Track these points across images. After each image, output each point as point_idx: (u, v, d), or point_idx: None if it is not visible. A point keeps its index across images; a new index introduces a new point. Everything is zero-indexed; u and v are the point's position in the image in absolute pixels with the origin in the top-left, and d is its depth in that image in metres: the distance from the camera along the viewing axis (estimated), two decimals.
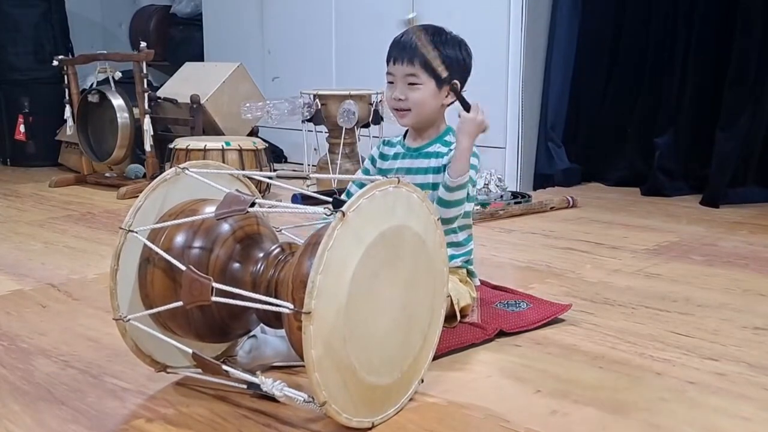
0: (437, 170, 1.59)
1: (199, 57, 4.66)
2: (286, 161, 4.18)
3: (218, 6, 4.61)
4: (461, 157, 1.52)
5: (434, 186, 1.58)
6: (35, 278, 2.03)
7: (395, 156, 1.67)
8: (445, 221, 1.50)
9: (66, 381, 1.35)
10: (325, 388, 1.06)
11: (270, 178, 1.35)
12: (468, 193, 1.57)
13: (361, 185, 1.44)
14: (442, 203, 1.54)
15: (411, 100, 1.57)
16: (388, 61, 1.60)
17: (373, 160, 1.71)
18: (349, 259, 1.07)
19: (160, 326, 1.27)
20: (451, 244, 1.62)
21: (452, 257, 1.63)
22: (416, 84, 1.56)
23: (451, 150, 1.58)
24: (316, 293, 1.02)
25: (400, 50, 1.57)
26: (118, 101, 3.47)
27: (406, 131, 1.68)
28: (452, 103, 1.62)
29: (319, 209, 1.11)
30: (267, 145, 3.35)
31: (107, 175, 3.67)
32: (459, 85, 1.60)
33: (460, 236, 1.65)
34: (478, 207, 2.81)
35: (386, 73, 1.61)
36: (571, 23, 3.54)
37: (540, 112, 3.44)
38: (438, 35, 1.58)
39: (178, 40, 5.05)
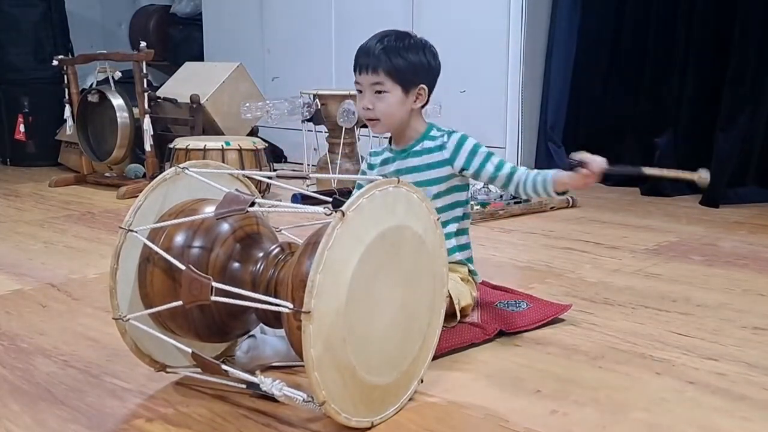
0: (430, 166, 1.58)
1: (199, 57, 4.66)
2: (286, 161, 4.18)
3: (218, 6, 4.61)
4: (565, 184, 1.53)
5: (434, 181, 1.58)
6: (35, 278, 2.03)
7: (384, 161, 1.66)
8: (506, 184, 1.57)
9: (66, 381, 1.35)
10: (324, 388, 1.05)
11: (270, 178, 1.35)
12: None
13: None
14: (522, 190, 1.56)
15: (378, 110, 1.55)
16: (354, 71, 1.57)
17: (364, 174, 1.71)
18: (348, 258, 1.07)
19: (159, 326, 1.27)
20: (457, 248, 1.62)
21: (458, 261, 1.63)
22: (383, 92, 1.54)
23: (444, 143, 1.57)
24: (315, 292, 1.02)
25: (365, 59, 1.54)
26: (118, 101, 3.47)
27: (391, 137, 1.67)
28: (423, 105, 1.61)
29: (319, 209, 1.11)
30: (267, 145, 3.35)
31: (107, 174, 3.68)
32: (426, 88, 1.57)
33: (463, 239, 1.65)
34: (478, 207, 2.81)
35: (354, 83, 1.58)
36: (571, 23, 3.54)
37: (540, 112, 3.44)
38: (401, 40, 1.55)
39: (178, 40, 5.06)
